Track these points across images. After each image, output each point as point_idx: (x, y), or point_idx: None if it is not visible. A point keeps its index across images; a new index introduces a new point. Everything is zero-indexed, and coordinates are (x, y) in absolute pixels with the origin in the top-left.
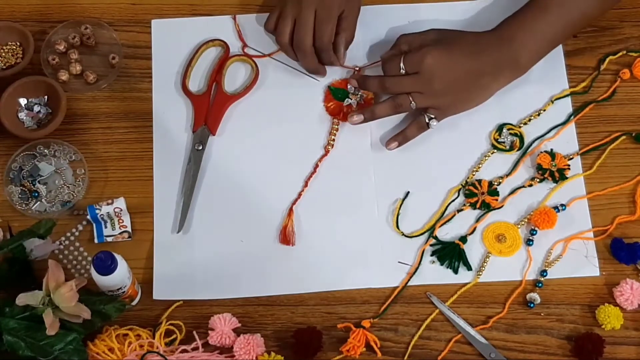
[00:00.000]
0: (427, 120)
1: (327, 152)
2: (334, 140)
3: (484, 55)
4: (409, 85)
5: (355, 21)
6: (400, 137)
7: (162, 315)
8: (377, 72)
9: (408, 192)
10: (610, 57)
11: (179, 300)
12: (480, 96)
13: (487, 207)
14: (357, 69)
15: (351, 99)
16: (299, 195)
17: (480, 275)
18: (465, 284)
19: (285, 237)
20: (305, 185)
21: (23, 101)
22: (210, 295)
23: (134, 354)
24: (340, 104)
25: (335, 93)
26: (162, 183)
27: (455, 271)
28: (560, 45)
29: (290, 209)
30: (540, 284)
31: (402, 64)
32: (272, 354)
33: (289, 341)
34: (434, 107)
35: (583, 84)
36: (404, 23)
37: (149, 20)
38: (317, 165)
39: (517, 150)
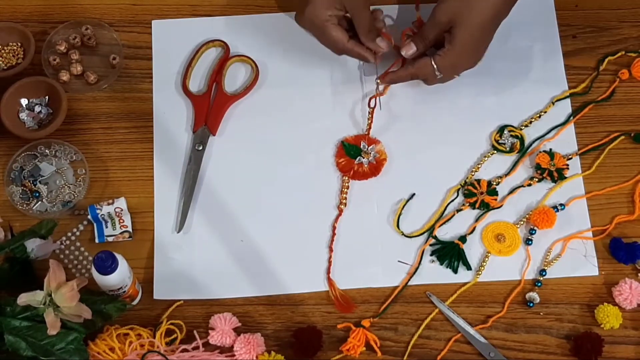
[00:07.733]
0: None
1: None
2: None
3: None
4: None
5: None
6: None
7: (163, 315)
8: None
9: (414, 194)
10: (609, 57)
11: (179, 300)
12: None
13: (486, 207)
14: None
15: (363, 158)
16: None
17: (479, 274)
18: (465, 284)
19: None
20: None
21: (24, 101)
22: (211, 295)
23: (135, 354)
24: (352, 161)
25: (349, 150)
26: (163, 183)
27: (455, 271)
28: (560, 46)
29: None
30: (539, 284)
31: (436, 72)
32: (272, 353)
33: (289, 341)
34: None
35: (583, 85)
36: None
37: (150, 21)
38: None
39: (517, 152)
